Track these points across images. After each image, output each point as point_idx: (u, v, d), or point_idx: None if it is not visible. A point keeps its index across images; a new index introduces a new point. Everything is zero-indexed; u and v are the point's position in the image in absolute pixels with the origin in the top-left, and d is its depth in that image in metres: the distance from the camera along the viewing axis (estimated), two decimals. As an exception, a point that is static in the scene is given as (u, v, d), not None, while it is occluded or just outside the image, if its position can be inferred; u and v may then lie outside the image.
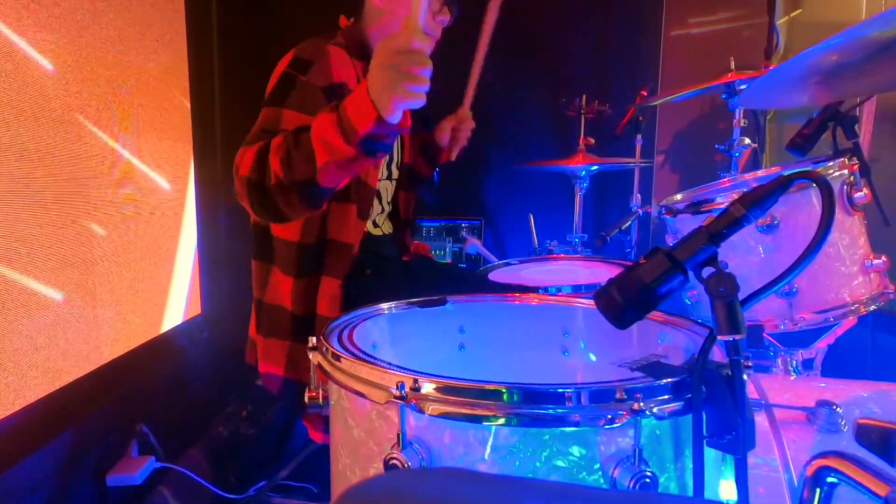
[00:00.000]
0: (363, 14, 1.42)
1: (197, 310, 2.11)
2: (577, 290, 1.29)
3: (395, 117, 0.96)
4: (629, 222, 2.08)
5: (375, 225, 1.54)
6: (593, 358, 1.08)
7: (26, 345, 1.28)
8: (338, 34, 1.39)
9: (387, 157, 1.47)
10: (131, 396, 1.62)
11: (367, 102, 0.95)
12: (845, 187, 1.16)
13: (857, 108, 1.28)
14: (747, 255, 1.17)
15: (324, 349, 0.83)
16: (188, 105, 2.03)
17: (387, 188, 1.53)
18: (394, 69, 0.91)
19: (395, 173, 1.55)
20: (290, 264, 1.32)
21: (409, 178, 1.63)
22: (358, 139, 0.97)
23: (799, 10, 2.29)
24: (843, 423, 0.92)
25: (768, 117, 2.25)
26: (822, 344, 1.33)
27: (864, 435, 0.61)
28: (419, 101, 0.95)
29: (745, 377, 0.67)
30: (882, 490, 0.59)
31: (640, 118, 2.24)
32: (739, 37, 2.33)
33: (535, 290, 1.32)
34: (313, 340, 0.87)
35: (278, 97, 1.22)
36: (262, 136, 1.13)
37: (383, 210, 1.55)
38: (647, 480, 0.64)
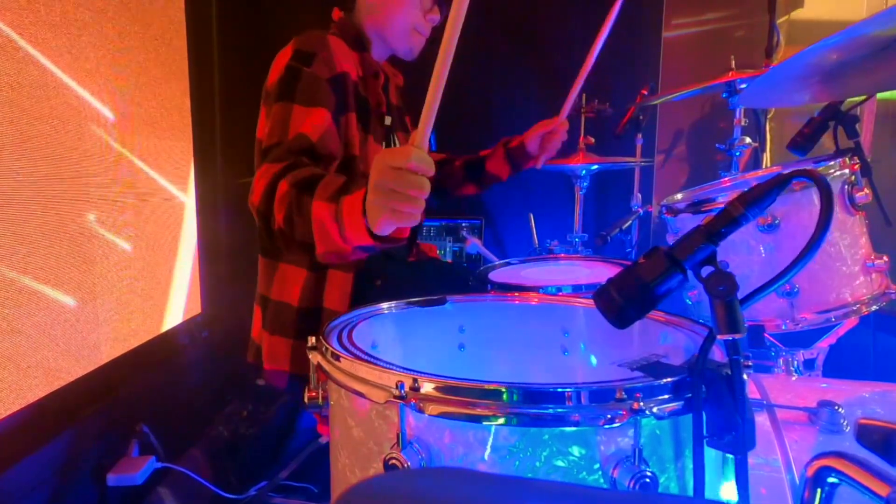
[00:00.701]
0: (357, 6, 1.43)
1: (197, 309, 2.11)
2: (578, 289, 1.29)
3: (386, 232, 0.90)
4: (630, 222, 2.07)
5: None
6: (593, 358, 1.08)
7: (26, 344, 1.28)
8: (332, 26, 1.40)
9: None
10: (131, 396, 1.62)
11: (360, 217, 0.91)
12: (846, 187, 1.16)
13: (858, 108, 1.28)
14: (748, 255, 1.17)
15: (323, 349, 0.83)
16: (188, 104, 2.03)
17: None
18: (388, 190, 0.84)
19: None
20: (301, 257, 1.32)
21: (477, 175, 1.62)
22: (352, 245, 0.96)
23: (800, 9, 2.29)
24: (844, 423, 0.92)
25: (769, 116, 2.25)
26: (824, 344, 1.33)
27: (866, 435, 0.61)
28: (412, 222, 0.88)
29: (744, 376, 0.66)
30: (883, 490, 0.58)
31: (641, 117, 2.23)
32: (740, 35, 2.33)
33: (535, 289, 1.31)
34: (313, 340, 0.86)
35: (286, 92, 1.21)
36: (277, 153, 1.11)
37: None
38: (647, 480, 0.64)
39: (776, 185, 0.69)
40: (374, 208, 0.88)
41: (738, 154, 1.80)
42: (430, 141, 1.71)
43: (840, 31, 0.89)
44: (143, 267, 1.76)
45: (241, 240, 2.09)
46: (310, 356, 0.85)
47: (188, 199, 2.05)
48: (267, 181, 1.07)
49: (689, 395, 0.68)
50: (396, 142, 1.55)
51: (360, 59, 1.36)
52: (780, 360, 1.33)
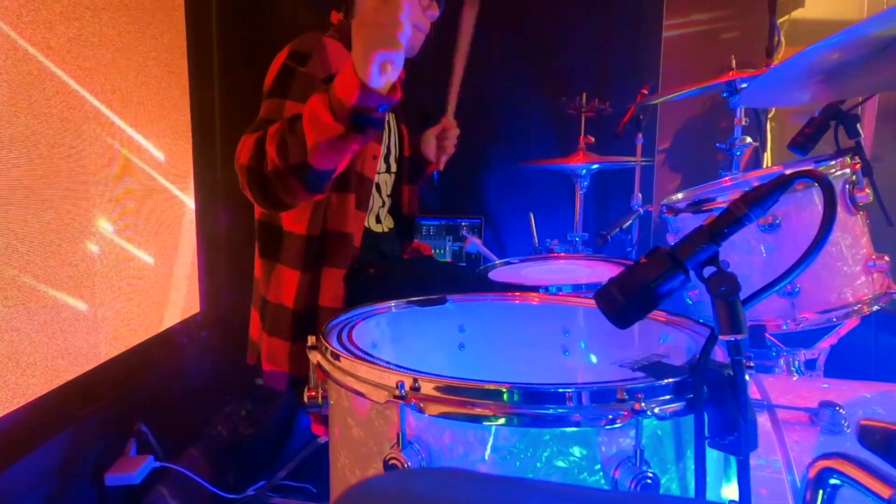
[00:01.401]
0: (353, 8, 1.43)
1: (196, 308, 2.11)
2: (578, 289, 1.28)
3: (376, 81, 0.95)
4: (630, 221, 2.07)
5: (378, 221, 1.54)
6: (594, 358, 1.08)
7: (25, 343, 1.28)
8: (331, 29, 1.41)
9: (384, 150, 1.47)
10: (130, 395, 1.62)
11: (350, 72, 0.96)
12: (847, 186, 1.16)
13: (859, 107, 1.28)
14: (749, 255, 1.16)
15: (323, 348, 0.83)
16: (188, 103, 2.03)
17: (386, 181, 1.54)
18: (370, 24, 0.92)
19: (394, 167, 1.55)
20: (297, 258, 1.33)
21: (411, 172, 1.63)
22: (346, 113, 0.97)
23: (800, 9, 2.29)
24: (846, 424, 0.91)
25: (770, 116, 2.25)
26: (825, 344, 1.32)
27: (868, 436, 0.60)
28: (397, 57, 0.94)
29: (746, 377, 0.66)
30: (885, 492, 0.58)
31: (641, 117, 2.23)
32: (740, 35, 2.33)
33: (535, 289, 1.31)
34: (312, 339, 0.86)
35: (279, 89, 1.22)
36: (263, 125, 1.13)
37: (384, 204, 1.56)
38: (649, 481, 0.64)
39: (779, 186, 0.69)
40: (362, 49, 0.93)
41: (738, 153, 1.80)
42: (434, 176, 1.71)
43: (841, 31, 0.89)
44: (143, 266, 1.76)
45: (241, 238, 2.08)
46: (309, 355, 0.85)
47: (187, 198, 2.04)
48: (254, 139, 1.09)
49: (691, 395, 0.67)
50: (396, 135, 1.55)
51: None
52: (782, 361, 1.33)
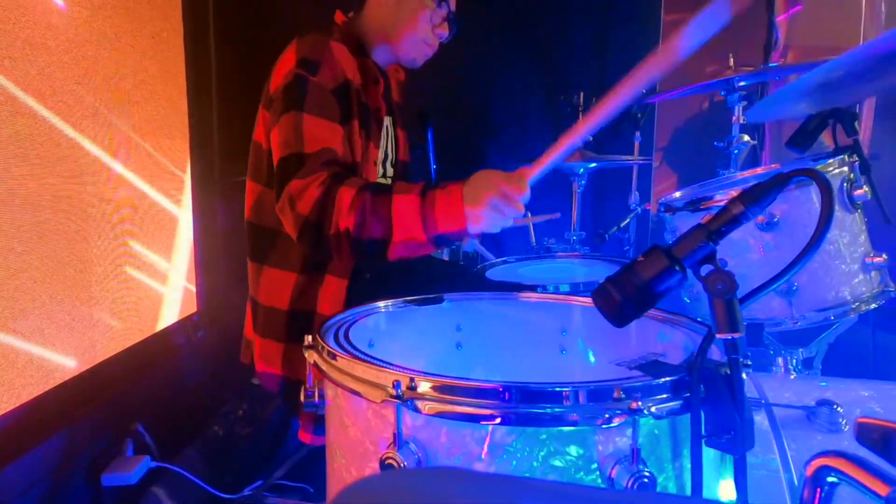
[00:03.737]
0: (364, 14, 1.40)
1: (193, 308, 2.10)
2: (576, 288, 1.28)
3: (475, 231, 1.08)
4: (628, 220, 2.07)
5: None
6: (591, 357, 1.08)
7: (20, 343, 1.28)
8: (335, 30, 1.37)
9: (381, 154, 1.47)
10: (126, 395, 1.61)
11: (460, 212, 1.05)
12: (845, 184, 1.16)
13: (857, 105, 1.28)
14: (746, 253, 1.16)
15: (320, 347, 0.83)
16: (185, 103, 2.02)
17: None
18: (498, 208, 1.04)
19: (390, 171, 1.54)
20: (293, 260, 1.31)
21: (405, 176, 1.62)
22: (439, 235, 1.07)
23: (798, 7, 2.29)
24: (843, 422, 0.91)
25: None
26: (823, 343, 1.32)
27: (865, 434, 0.60)
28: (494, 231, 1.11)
29: (743, 376, 0.66)
30: (883, 490, 0.58)
31: (639, 115, 2.23)
32: (738, 33, 2.32)
33: (532, 288, 1.31)
34: (309, 339, 0.86)
35: (295, 102, 1.20)
36: (314, 165, 1.14)
37: None
38: (646, 480, 0.63)
39: (777, 184, 0.69)
40: (481, 216, 1.05)
41: (736, 152, 1.80)
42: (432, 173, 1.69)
43: (844, 54, 0.90)
44: (139, 265, 1.75)
45: (238, 238, 2.08)
46: (306, 355, 0.84)
47: (185, 197, 2.04)
48: (319, 192, 1.10)
49: (688, 394, 0.67)
50: (392, 140, 1.54)
51: (361, 65, 1.35)
52: (779, 359, 1.33)
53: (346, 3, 1.45)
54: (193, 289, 2.11)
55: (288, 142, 1.18)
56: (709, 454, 0.69)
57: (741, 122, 1.79)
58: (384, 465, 0.68)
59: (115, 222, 1.63)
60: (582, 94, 2.22)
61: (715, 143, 1.86)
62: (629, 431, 0.64)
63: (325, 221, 1.09)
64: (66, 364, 1.43)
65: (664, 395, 0.67)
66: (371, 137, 1.36)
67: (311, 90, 1.21)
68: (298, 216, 1.11)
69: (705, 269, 0.67)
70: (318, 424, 1.37)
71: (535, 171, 1.04)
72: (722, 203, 0.92)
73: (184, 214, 2.03)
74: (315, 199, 1.10)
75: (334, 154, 1.18)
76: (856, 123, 1.21)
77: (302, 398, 0.84)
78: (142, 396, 1.68)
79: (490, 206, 1.04)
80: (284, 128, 1.20)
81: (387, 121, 1.47)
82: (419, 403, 0.67)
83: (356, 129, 1.30)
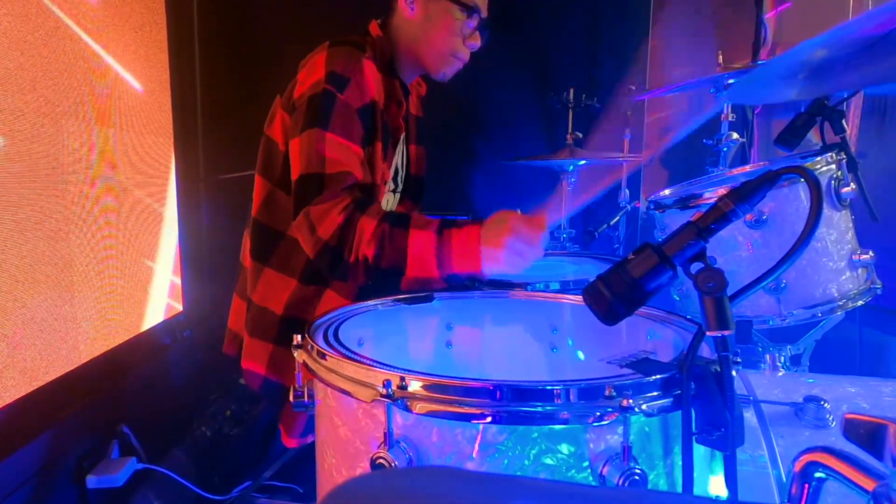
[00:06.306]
0: (391, 25, 1.35)
1: (179, 307, 2.08)
2: (566, 286, 1.28)
3: (491, 274, 1.09)
4: (617, 218, 2.07)
5: None
6: (582, 355, 1.08)
7: (2, 344, 1.25)
8: (368, 43, 1.31)
9: (392, 170, 1.45)
10: (111, 396, 1.59)
11: (476, 254, 1.06)
12: (833, 182, 1.17)
13: (844, 103, 1.29)
14: (735, 251, 1.17)
15: (309, 347, 0.82)
16: (169, 99, 2.00)
17: (388, 200, 1.50)
18: (520, 253, 1.06)
19: (400, 185, 1.53)
20: (294, 267, 1.30)
21: (417, 191, 1.59)
22: (450, 272, 1.08)
23: (787, 4, 2.30)
24: (830, 418, 0.92)
25: (756, 112, 2.26)
26: (810, 340, 1.33)
27: (852, 430, 0.60)
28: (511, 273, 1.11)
29: (733, 373, 0.66)
30: (869, 485, 0.58)
31: (629, 113, 2.23)
32: (727, 31, 2.34)
33: (522, 286, 1.30)
34: (298, 338, 0.85)
35: (320, 119, 1.18)
36: (336, 189, 1.14)
37: None
38: (637, 478, 0.64)
39: (766, 181, 0.69)
40: (500, 257, 1.06)
41: (725, 149, 1.80)
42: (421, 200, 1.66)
43: (828, 31, 0.89)
44: (123, 264, 1.73)
45: (223, 237, 2.06)
46: (295, 354, 0.84)
47: (169, 196, 2.01)
48: (341, 219, 1.12)
49: (678, 391, 0.67)
50: (402, 158, 1.50)
51: (388, 86, 1.32)
52: (767, 356, 1.33)
53: (334, 3, 1.43)
54: (179, 288, 2.09)
55: (310, 161, 1.17)
56: (699, 451, 0.69)
57: (730, 119, 1.80)
58: (375, 465, 0.67)
59: (98, 220, 1.60)
60: (572, 91, 2.22)
61: (704, 140, 1.87)
62: (620, 429, 0.64)
63: (345, 248, 1.12)
64: (49, 365, 1.41)
65: (655, 393, 0.67)
66: (387, 158, 1.35)
67: (338, 109, 1.19)
68: (319, 240, 1.13)
69: (695, 267, 0.67)
70: (304, 427, 1.37)
71: (549, 220, 1.10)
72: (711, 200, 0.93)
73: (168, 213, 2.01)
74: (337, 226, 1.11)
75: (354, 177, 1.18)
76: (843, 121, 1.22)
77: (291, 398, 0.83)
78: (127, 397, 1.66)
79: (509, 248, 1.05)
80: (306, 144, 1.18)
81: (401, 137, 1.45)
82: (410, 403, 0.66)
83: (378, 153, 1.28)
